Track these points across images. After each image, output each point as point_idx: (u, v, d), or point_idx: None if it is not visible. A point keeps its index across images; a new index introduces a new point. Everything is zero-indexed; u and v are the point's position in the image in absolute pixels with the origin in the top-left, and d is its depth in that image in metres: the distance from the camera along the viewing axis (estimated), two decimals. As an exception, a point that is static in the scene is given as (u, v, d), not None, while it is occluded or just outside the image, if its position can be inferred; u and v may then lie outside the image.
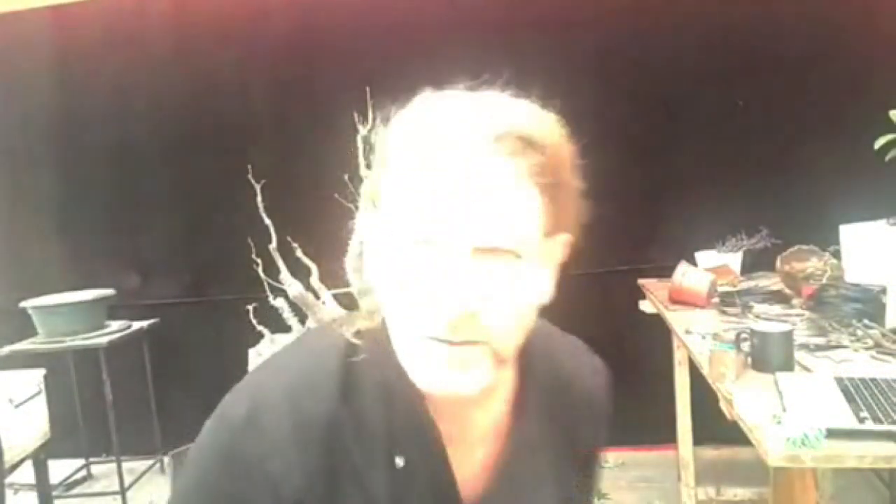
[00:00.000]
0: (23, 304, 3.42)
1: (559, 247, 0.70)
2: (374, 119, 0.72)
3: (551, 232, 0.67)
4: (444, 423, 0.71)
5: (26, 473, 2.99)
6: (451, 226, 0.61)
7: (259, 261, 2.93)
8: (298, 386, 0.71)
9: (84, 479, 3.81)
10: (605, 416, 0.88)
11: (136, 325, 3.64)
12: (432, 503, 0.71)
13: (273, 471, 0.67)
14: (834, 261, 2.42)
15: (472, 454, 0.75)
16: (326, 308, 2.85)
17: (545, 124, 0.66)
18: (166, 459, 3.83)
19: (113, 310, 3.65)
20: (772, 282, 2.71)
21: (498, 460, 0.76)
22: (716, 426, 1.80)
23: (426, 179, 0.62)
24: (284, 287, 2.84)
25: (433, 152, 0.62)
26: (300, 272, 2.86)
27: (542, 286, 0.69)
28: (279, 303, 2.96)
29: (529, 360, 0.77)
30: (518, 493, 0.76)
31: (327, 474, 0.68)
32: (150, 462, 3.82)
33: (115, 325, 3.57)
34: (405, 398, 0.70)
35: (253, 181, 2.90)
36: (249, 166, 2.97)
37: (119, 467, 3.45)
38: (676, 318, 2.44)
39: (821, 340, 1.94)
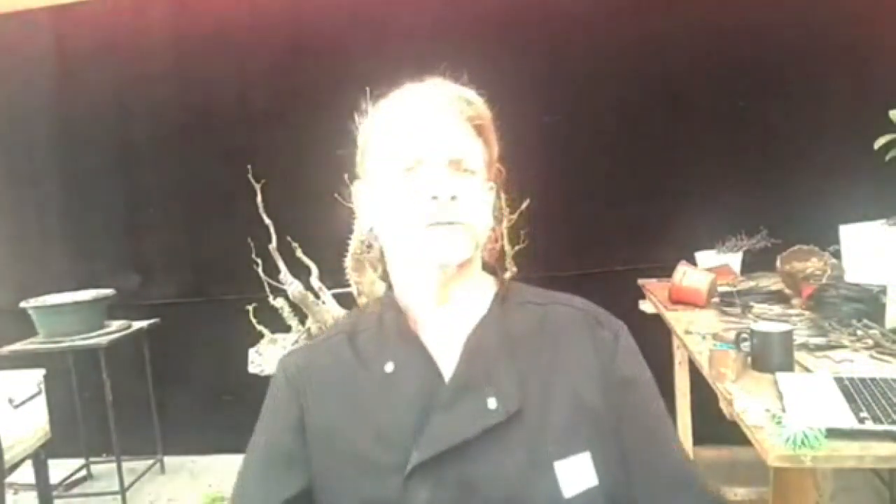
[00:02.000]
0: (23, 304, 3.42)
1: (493, 172, 1.00)
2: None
3: (487, 163, 0.97)
4: (427, 332, 0.95)
5: (26, 473, 2.99)
6: (430, 147, 0.91)
7: (259, 261, 2.92)
8: (322, 335, 1.06)
9: (84, 479, 3.81)
10: (638, 361, 0.97)
11: (136, 325, 3.64)
12: (420, 388, 0.89)
13: (299, 385, 0.97)
14: (834, 261, 2.42)
15: (450, 346, 0.93)
16: (326, 308, 2.84)
17: (479, 99, 0.97)
18: (167, 459, 3.83)
19: (113, 310, 3.65)
20: (772, 282, 2.71)
21: (467, 353, 0.92)
22: (716, 426, 1.80)
23: (407, 124, 0.92)
24: (284, 287, 2.83)
25: (410, 107, 0.93)
26: (300, 272, 2.86)
27: (489, 196, 0.98)
28: (279, 303, 2.96)
29: (512, 288, 1.02)
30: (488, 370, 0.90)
31: (338, 384, 0.95)
32: (150, 462, 3.82)
33: (115, 325, 3.57)
34: (395, 323, 0.96)
35: (253, 181, 2.89)
36: (249, 166, 2.97)
37: (119, 467, 3.45)
38: (676, 318, 2.44)
39: (821, 340, 1.94)
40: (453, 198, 0.87)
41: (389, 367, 0.91)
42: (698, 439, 3.00)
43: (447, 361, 0.91)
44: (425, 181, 0.89)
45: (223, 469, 3.78)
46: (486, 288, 1.00)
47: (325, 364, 0.97)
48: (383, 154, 0.93)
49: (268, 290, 2.91)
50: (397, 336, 0.94)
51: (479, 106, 0.95)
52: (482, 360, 0.90)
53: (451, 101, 0.92)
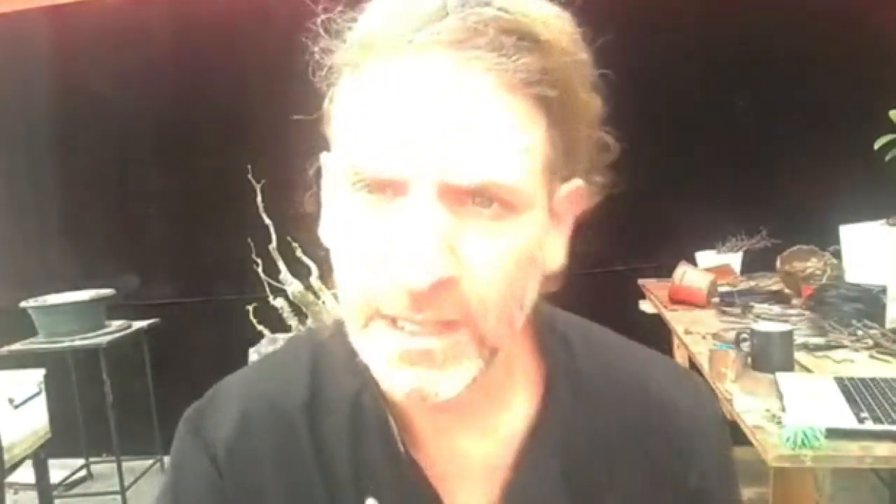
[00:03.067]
0: (22, 304, 3.42)
1: (571, 193, 0.52)
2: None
3: (557, 169, 0.49)
4: (431, 452, 0.56)
5: (26, 473, 2.99)
6: (408, 157, 0.44)
7: (259, 261, 2.93)
8: (257, 410, 0.60)
9: (84, 479, 3.81)
10: (721, 466, 0.63)
11: (136, 325, 3.64)
12: None
13: None
14: (834, 261, 2.42)
15: (475, 494, 0.57)
16: (326, 307, 2.85)
17: (545, 13, 0.47)
18: (167, 459, 3.82)
19: (113, 310, 3.65)
20: (772, 282, 2.71)
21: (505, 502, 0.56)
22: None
23: (375, 100, 0.46)
24: (284, 287, 2.83)
25: (383, 63, 0.46)
26: (300, 272, 2.86)
27: (547, 244, 0.51)
28: (279, 303, 2.96)
29: (568, 361, 0.59)
30: None
31: None
32: (150, 462, 3.82)
33: (115, 324, 3.57)
34: (376, 425, 0.56)
35: (253, 181, 2.90)
36: (249, 166, 2.97)
37: (119, 467, 3.45)
38: (676, 318, 2.44)
39: (821, 340, 1.94)
40: (446, 283, 0.45)
41: None
42: (698, 439, 2.99)
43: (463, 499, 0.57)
44: (391, 228, 0.45)
45: (223, 469, 3.77)
46: (519, 369, 0.59)
47: (270, 460, 0.58)
48: (343, 135, 0.49)
49: (268, 290, 2.91)
50: (382, 454, 0.55)
51: (539, 36, 0.45)
52: None
53: (473, 33, 0.44)
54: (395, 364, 0.48)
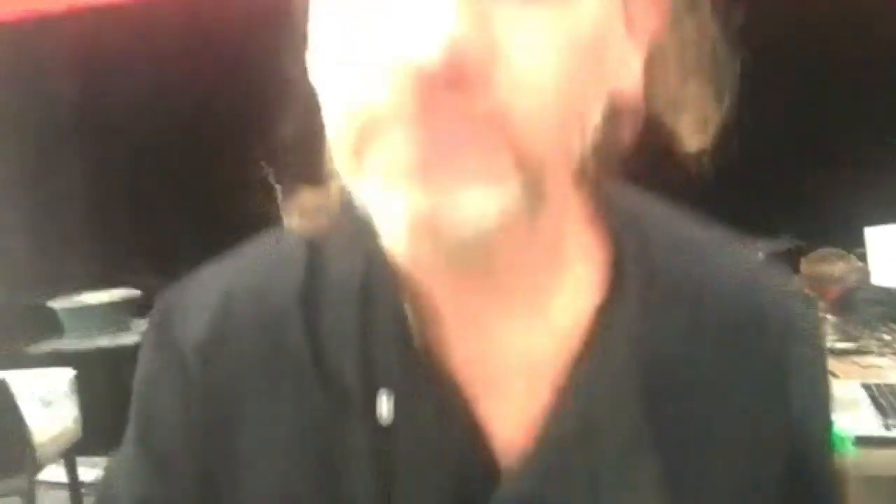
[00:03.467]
0: (51, 303, 3.48)
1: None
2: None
3: None
4: (458, 347, 0.42)
5: (57, 472, 3.05)
6: None
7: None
8: (238, 306, 0.47)
9: (112, 477, 3.86)
10: (823, 391, 0.49)
11: (163, 325, 3.67)
12: (443, 479, 0.41)
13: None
14: (860, 264, 2.41)
15: (513, 401, 0.42)
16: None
17: None
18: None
19: (141, 309, 3.70)
20: (796, 284, 2.69)
21: (558, 411, 0.41)
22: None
23: None
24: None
25: None
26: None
27: (616, 49, 0.37)
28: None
29: (642, 247, 0.45)
30: (593, 470, 0.41)
31: (299, 444, 0.43)
32: (176, 460, 3.86)
33: (144, 324, 3.61)
34: (386, 307, 0.42)
35: (273, 181, 2.93)
36: (270, 168, 3.00)
37: (146, 465, 3.49)
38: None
39: (847, 345, 1.93)
40: (458, 80, 0.31)
41: (385, 414, 0.41)
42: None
43: (504, 426, 0.42)
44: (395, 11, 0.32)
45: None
46: (577, 241, 0.45)
47: (256, 367, 0.45)
48: None
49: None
50: (395, 353, 0.42)
51: None
52: (585, 449, 0.41)
53: None
54: (397, 180, 0.33)
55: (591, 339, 0.42)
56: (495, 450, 0.41)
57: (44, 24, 3.94)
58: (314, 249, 0.46)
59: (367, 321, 0.42)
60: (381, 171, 0.33)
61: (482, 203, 0.33)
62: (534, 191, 0.34)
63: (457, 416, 0.41)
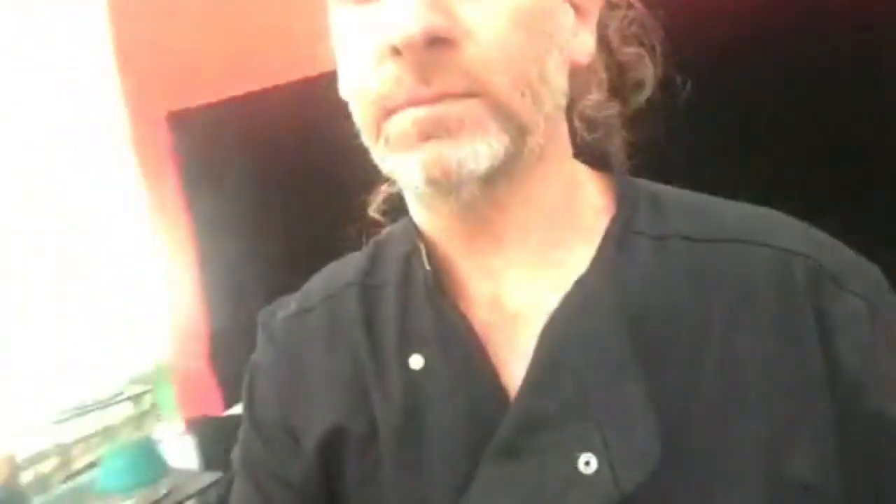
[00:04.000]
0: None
1: None
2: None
3: None
4: (477, 298, 0.51)
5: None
6: None
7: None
8: (315, 292, 0.60)
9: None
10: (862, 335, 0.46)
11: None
12: (466, 411, 0.48)
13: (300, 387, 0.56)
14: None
15: (521, 343, 0.49)
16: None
17: None
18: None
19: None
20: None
21: (554, 344, 0.48)
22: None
23: None
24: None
25: None
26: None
27: (566, 26, 0.48)
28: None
29: (653, 212, 0.52)
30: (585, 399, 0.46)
31: (350, 386, 0.53)
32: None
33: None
34: (420, 274, 0.53)
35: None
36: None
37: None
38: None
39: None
40: (434, 42, 0.42)
41: (417, 363, 0.51)
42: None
43: (515, 363, 0.49)
44: (384, 11, 0.43)
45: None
46: (583, 202, 0.53)
47: (321, 334, 0.57)
48: None
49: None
50: (425, 308, 0.52)
51: None
52: (575, 369, 0.47)
53: None
54: (411, 142, 0.44)
55: (580, 288, 0.48)
56: (505, 381, 0.48)
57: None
58: (379, 241, 0.59)
59: (406, 291, 0.53)
60: (396, 141, 0.44)
61: (478, 149, 0.43)
62: (519, 137, 0.45)
63: (473, 357, 0.49)
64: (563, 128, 0.52)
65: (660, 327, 0.47)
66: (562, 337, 0.47)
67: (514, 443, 0.46)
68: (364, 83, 0.45)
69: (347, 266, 0.59)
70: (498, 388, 0.48)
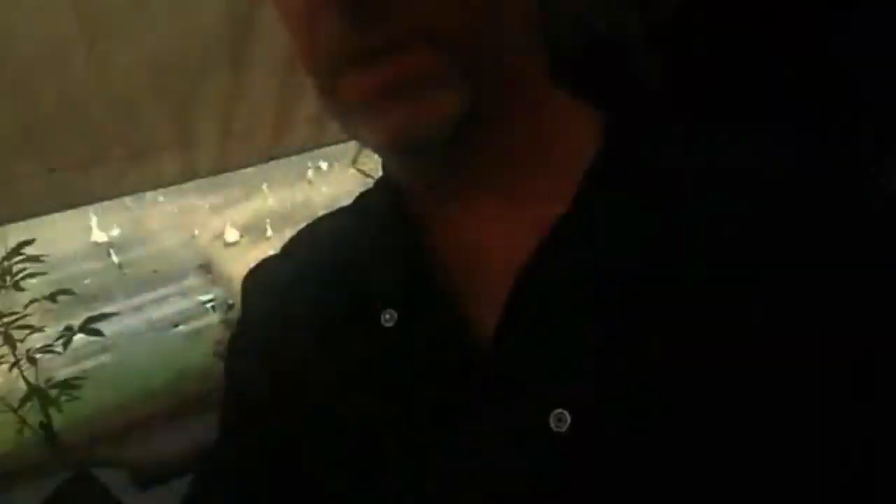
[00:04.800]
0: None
1: None
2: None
3: None
4: (447, 251, 0.46)
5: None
6: None
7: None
8: (301, 239, 0.59)
9: None
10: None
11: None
12: (439, 368, 0.43)
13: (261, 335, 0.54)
14: None
15: (490, 297, 0.43)
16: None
17: None
18: None
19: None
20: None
21: (521, 297, 0.42)
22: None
23: None
24: None
25: None
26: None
27: None
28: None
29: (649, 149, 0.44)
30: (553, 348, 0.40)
31: (315, 340, 0.49)
32: None
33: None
34: (393, 229, 0.48)
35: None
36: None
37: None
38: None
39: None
40: None
41: (389, 319, 0.45)
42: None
43: (487, 316, 0.43)
44: None
45: None
46: (562, 136, 0.45)
47: (303, 286, 0.53)
48: None
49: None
50: (400, 258, 0.47)
51: None
52: (550, 318, 0.41)
53: None
54: (370, 109, 0.38)
55: (558, 232, 0.42)
56: (478, 336, 0.42)
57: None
58: (365, 193, 0.55)
59: (380, 241, 0.49)
60: (348, 109, 0.40)
61: (437, 106, 0.38)
62: (480, 85, 0.39)
63: (445, 312, 0.44)
64: (533, 58, 0.44)
65: (651, 279, 0.39)
66: (530, 294, 0.41)
67: (482, 398, 0.42)
68: (303, 42, 0.40)
69: (334, 217, 0.57)
70: (475, 345, 0.43)
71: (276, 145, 2.34)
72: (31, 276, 2.70)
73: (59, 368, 3.06)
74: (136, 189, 2.32)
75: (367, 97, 0.38)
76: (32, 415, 2.64)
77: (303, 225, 0.60)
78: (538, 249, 0.41)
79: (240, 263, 4.67)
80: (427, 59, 0.37)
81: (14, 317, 2.65)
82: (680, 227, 0.40)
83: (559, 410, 0.38)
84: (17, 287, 2.68)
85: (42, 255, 2.69)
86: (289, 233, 0.59)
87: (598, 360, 0.39)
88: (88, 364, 3.63)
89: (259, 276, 0.57)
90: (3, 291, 2.69)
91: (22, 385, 2.67)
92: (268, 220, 5.48)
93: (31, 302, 2.71)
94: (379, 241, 0.49)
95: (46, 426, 2.65)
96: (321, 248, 0.54)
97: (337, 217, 0.57)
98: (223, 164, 2.31)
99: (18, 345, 2.66)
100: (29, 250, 2.63)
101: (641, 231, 0.40)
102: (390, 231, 0.48)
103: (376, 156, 0.47)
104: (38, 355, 2.68)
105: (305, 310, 0.51)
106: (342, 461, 0.45)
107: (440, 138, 0.39)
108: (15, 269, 2.66)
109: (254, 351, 0.54)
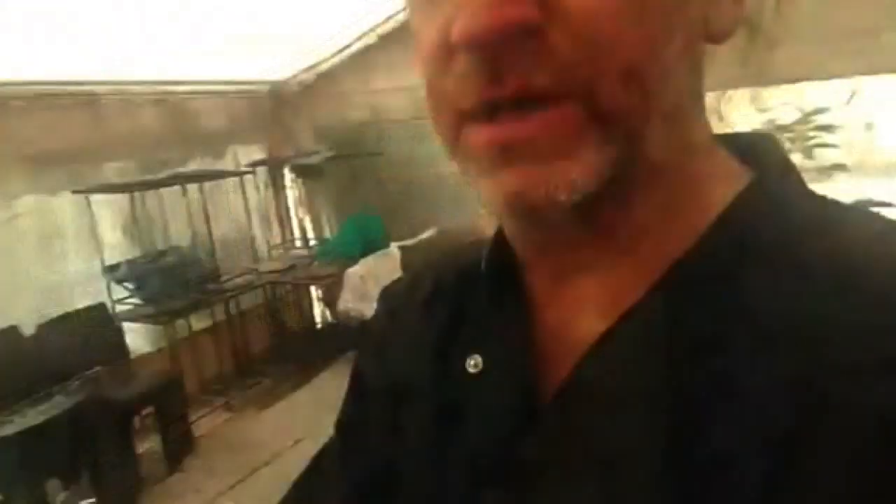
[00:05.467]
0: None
1: None
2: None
3: None
4: (546, 306, 0.43)
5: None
6: None
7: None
8: (427, 269, 0.57)
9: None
10: None
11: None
12: (495, 418, 0.42)
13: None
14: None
15: (572, 340, 0.40)
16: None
17: None
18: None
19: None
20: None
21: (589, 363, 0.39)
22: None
23: None
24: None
25: None
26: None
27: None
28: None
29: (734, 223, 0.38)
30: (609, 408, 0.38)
31: (405, 386, 0.49)
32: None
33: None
34: (498, 280, 0.46)
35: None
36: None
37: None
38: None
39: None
40: (516, 21, 0.32)
41: (473, 365, 0.44)
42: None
43: (561, 369, 0.41)
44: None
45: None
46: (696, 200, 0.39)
47: (409, 308, 0.54)
48: None
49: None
50: (500, 310, 0.45)
51: None
52: (596, 405, 0.38)
53: None
54: (493, 165, 0.35)
55: (639, 307, 0.37)
56: (542, 398, 0.40)
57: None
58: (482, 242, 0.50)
59: (481, 289, 0.46)
60: (472, 160, 0.36)
61: (571, 169, 0.33)
62: (629, 144, 0.34)
63: (522, 368, 0.41)
64: (696, 122, 0.40)
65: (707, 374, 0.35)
66: (596, 366, 0.38)
67: (523, 465, 0.39)
68: (433, 82, 0.37)
69: (452, 257, 0.55)
70: (527, 407, 0.40)
71: None
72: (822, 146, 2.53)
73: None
74: None
75: (491, 149, 0.35)
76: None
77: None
78: (617, 325, 0.38)
79: None
80: (565, 117, 0.33)
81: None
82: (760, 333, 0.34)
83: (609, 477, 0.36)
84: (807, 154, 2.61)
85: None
86: None
87: (634, 459, 0.36)
88: None
89: (385, 295, 0.59)
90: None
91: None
92: None
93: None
94: (487, 288, 0.46)
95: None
96: (440, 283, 0.53)
97: (471, 253, 0.51)
98: None
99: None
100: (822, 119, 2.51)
101: (719, 322, 0.35)
102: (494, 288, 0.46)
103: None
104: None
105: (408, 339, 0.51)
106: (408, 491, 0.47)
107: (567, 206, 0.34)
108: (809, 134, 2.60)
109: (373, 358, 0.56)
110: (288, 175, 5.12)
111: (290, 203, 5.26)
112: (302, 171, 5.00)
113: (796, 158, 2.23)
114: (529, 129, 0.33)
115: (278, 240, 5.14)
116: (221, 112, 4.44)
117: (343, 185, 5.08)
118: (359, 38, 4.28)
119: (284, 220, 5.22)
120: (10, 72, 3.01)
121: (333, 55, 4.44)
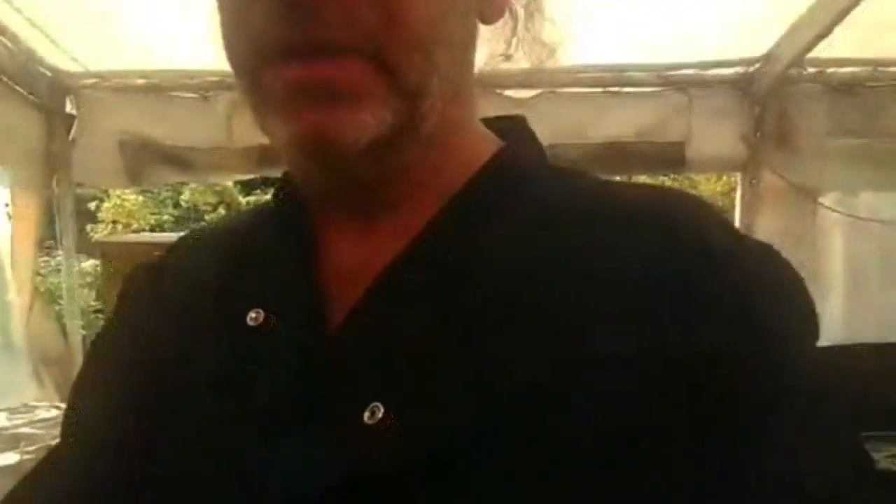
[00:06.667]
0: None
1: None
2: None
3: None
4: (330, 254, 0.45)
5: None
6: None
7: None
8: (186, 238, 0.58)
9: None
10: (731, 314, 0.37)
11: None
12: (283, 366, 0.42)
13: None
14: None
15: (356, 286, 0.42)
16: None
17: None
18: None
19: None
20: None
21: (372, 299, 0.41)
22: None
23: None
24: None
25: None
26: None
27: None
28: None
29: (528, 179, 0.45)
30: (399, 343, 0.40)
31: (176, 338, 0.47)
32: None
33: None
34: (278, 219, 0.49)
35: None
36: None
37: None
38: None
39: None
40: None
41: (253, 319, 0.43)
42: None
43: (344, 310, 0.43)
44: None
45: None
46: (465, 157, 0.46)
47: (180, 280, 0.52)
48: None
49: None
50: (281, 263, 0.46)
51: None
52: (388, 325, 0.41)
53: None
54: (290, 105, 0.38)
55: (415, 242, 0.42)
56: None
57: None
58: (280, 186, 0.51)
59: (263, 246, 0.48)
60: (272, 95, 0.39)
61: (363, 118, 0.38)
62: (411, 104, 0.39)
63: (309, 318, 0.42)
64: (468, 87, 0.46)
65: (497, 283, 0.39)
66: (380, 294, 0.41)
67: (309, 396, 0.40)
68: (232, 25, 0.39)
69: (226, 218, 0.60)
70: (317, 343, 0.42)
71: None
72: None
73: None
74: None
75: (289, 89, 0.37)
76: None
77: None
78: (395, 258, 0.41)
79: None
80: (366, 70, 0.37)
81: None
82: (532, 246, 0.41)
83: (375, 403, 0.37)
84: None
85: None
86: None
87: (430, 367, 0.38)
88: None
89: (133, 277, 0.55)
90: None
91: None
92: None
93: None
94: (264, 242, 0.48)
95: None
96: (203, 249, 0.53)
97: (243, 216, 0.57)
98: None
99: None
100: None
101: (477, 247, 0.41)
102: (278, 233, 0.48)
103: None
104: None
105: (173, 308, 0.49)
106: (180, 451, 0.42)
107: (355, 150, 0.38)
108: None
109: (111, 349, 0.52)
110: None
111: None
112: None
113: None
114: (325, 70, 0.37)
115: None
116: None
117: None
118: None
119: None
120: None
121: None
